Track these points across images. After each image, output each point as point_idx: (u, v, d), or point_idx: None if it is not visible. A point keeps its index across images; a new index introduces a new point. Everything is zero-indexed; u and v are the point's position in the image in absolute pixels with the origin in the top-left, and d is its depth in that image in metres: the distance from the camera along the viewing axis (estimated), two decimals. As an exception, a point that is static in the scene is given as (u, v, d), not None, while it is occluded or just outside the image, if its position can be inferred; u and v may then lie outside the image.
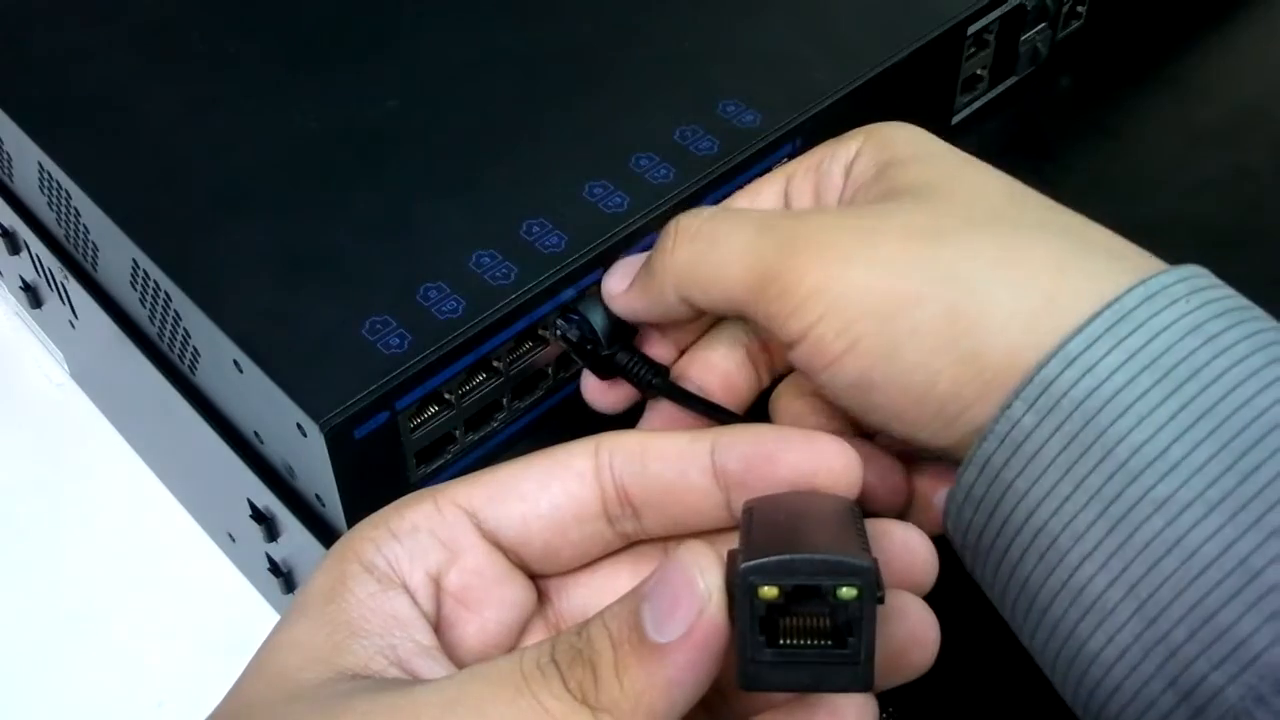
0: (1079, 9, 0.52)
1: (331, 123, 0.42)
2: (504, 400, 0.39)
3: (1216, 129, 0.50)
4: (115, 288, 0.44)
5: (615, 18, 0.46)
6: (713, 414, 0.34)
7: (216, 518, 0.48)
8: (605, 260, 0.39)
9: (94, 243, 0.43)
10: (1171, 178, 0.48)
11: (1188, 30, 0.55)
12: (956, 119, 0.49)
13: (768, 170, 0.42)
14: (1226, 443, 0.26)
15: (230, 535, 0.46)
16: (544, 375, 0.40)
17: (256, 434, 0.39)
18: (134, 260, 0.40)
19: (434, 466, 0.38)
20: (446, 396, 0.37)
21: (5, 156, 0.47)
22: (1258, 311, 0.29)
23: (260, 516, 0.41)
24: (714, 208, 0.34)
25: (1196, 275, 0.29)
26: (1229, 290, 0.29)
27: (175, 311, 0.39)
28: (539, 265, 0.38)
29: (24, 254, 0.50)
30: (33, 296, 0.52)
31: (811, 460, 0.28)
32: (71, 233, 0.45)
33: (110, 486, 0.51)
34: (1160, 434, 0.26)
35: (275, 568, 0.43)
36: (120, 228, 0.40)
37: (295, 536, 0.39)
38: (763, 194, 0.36)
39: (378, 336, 0.36)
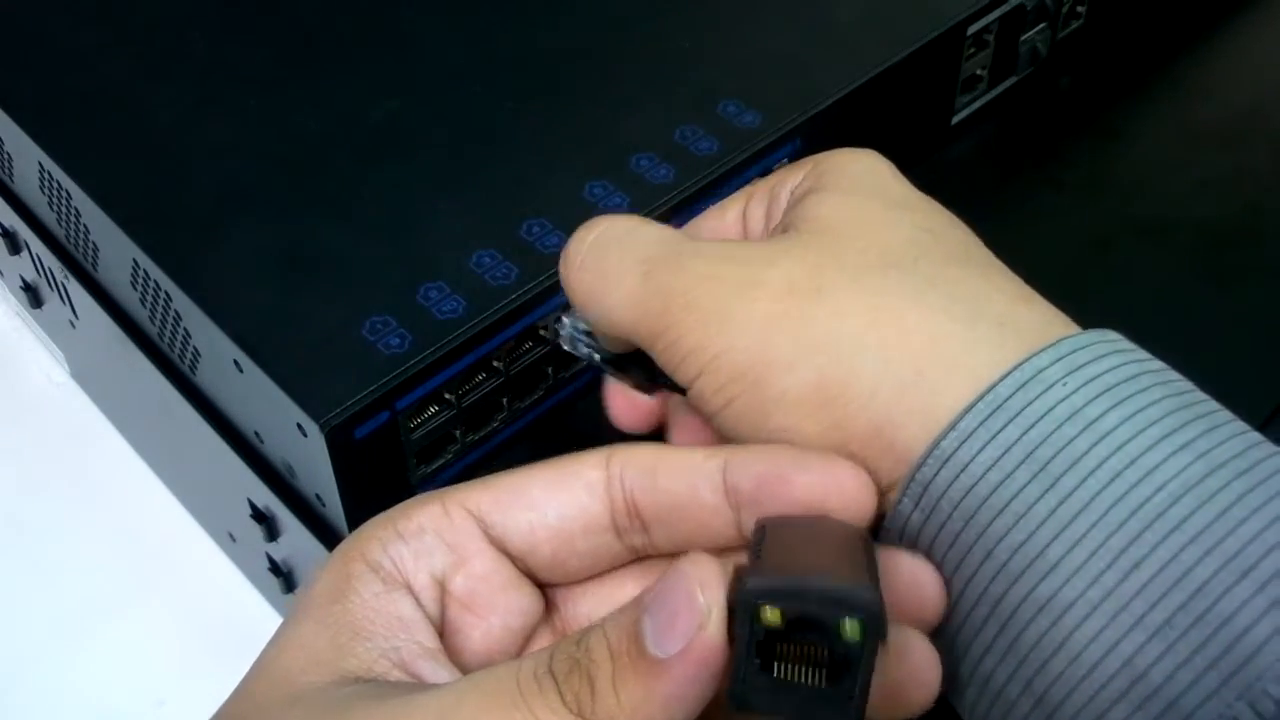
0: (1079, 9, 0.52)
1: (331, 123, 0.42)
2: (504, 400, 0.39)
3: (1216, 129, 0.50)
4: (115, 288, 0.44)
5: (615, 18, 0.46)
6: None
7: (216, 518, 0.48)
8: (605, 260, 0.39)
9: (94, 243, 0.43)
10: (1171, 178, 0.48)
11: (1188, 30, 0.55)
12: (956, 119, 0.49)
13: (768, 170, 0.42)
14: (1105, 539, 0.25)
15: (230, 535, 0.46)
16: (544, 375, 0.40)
17: (256, 434, 0.39)
18: (134, 260, 0.40)
19: (434, 466, 0.38)
20: (446, 396, 0.37)
21: (5, 156, 0.47)
22: (1151, 379, 0.27)
23: (260, 516, 0.41)
24: (604, 223, 0.32)
25: (1081, 348, 0.27)
26: (1125, 357, 0.27)
27: (175, 311, 0.39)
28: (539, 265, 0.38)
29: (24, 254, 0.50)
30: (33, 296, 0.52)
31: (825, 483, 0.27)
32: (71, 233, 0.45)
33: (110, 486, 0.51)
34: (1039, 532, 0.26)
35: (275, 568, 0.43)
36: (120, 228, 0.40)
37: (295, 536, 0.39)
38: (727, 213, 0.35)
39: (378, 336, 0.36)
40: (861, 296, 0.29)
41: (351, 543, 0.28)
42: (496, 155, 0.41)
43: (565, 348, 0.34)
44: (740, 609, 0.23)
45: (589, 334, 0.33)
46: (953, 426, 0.27)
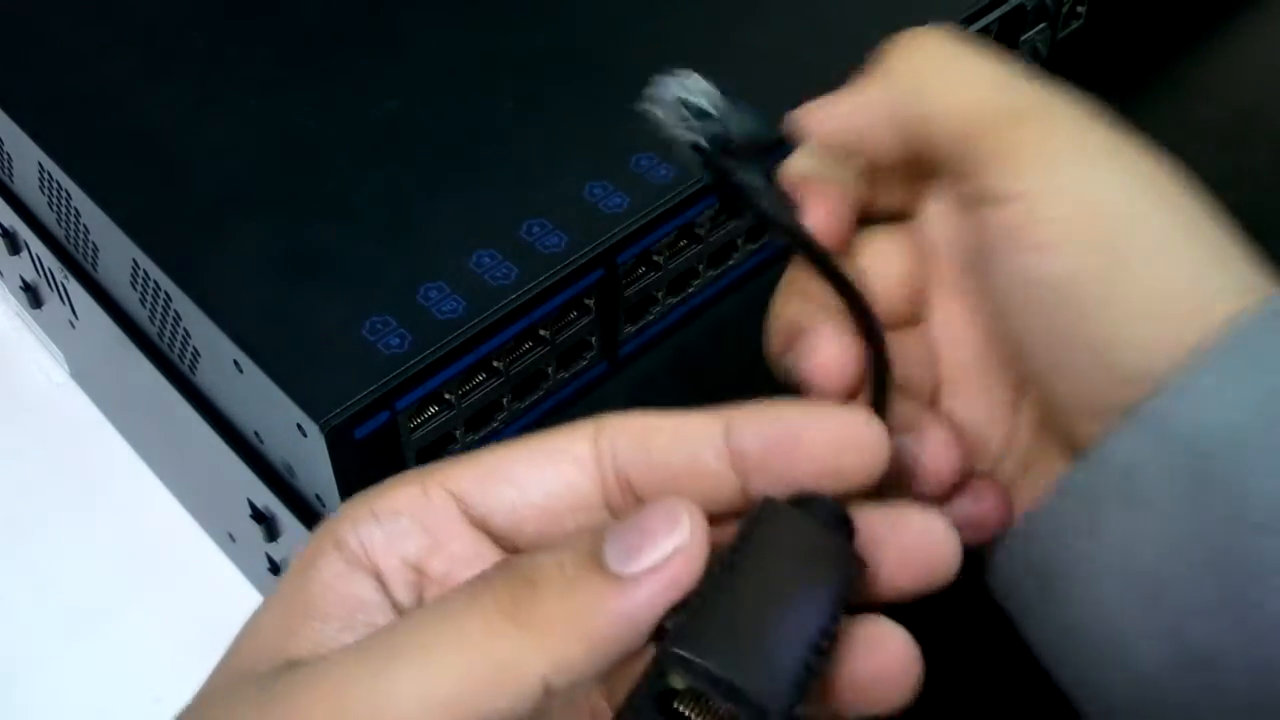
0: (1079, 9, 0.52)
1: (331, 123, 0.42)
2: (504, 400, 0.39)
3: (1216, 129, 0.50)
4: (115, 288, 0.44)
5: (615, 18, 0.46)
6: (836, 280, 0.29)
7: (216, 518, 0.48)
8: (605, 260, 0.39)
9: (94, 243, 0.43)
10: (1171, 178, 0.48)
11: (1188, 30, 0.55)
12: (956, 119, 0.49)
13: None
14: None
15: (230, 535, 0.46)
16: (544, 375, 0.40)
17: (256, 434, 0.39)
18: (134, 260, 0.40)
19: (434, 466, 0.38)
20: (446, 396, 0.37)
21: (5, 156, 0.47)
22: None
23: (260, 516, 0.41)
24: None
25: None
26: None
27: (175, 311, 0.39)
28: (539, 265, 0.38)
29: (24, 254, 0.50)
30: (33, 296, 0.52)
31: (838, 437, 0.25)
32: (71, 233, 0.45)
33: (110, 486, 0.51)
34: None
35: (275, 568, 0.43)
36: (120, 228, 0.40)
37: (295, 536, 0.39)
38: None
39: (378, 336, 0.36)
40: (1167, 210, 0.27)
41: (327, 522, 0.27)
42: (496, 155, 0.41)
43: (656, 113, 0.29)
44: (659, 652, 0.22)
45: (702, 111, 0.30)
46: (1205, 366, 0.25)
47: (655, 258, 0.40)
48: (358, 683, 0.22)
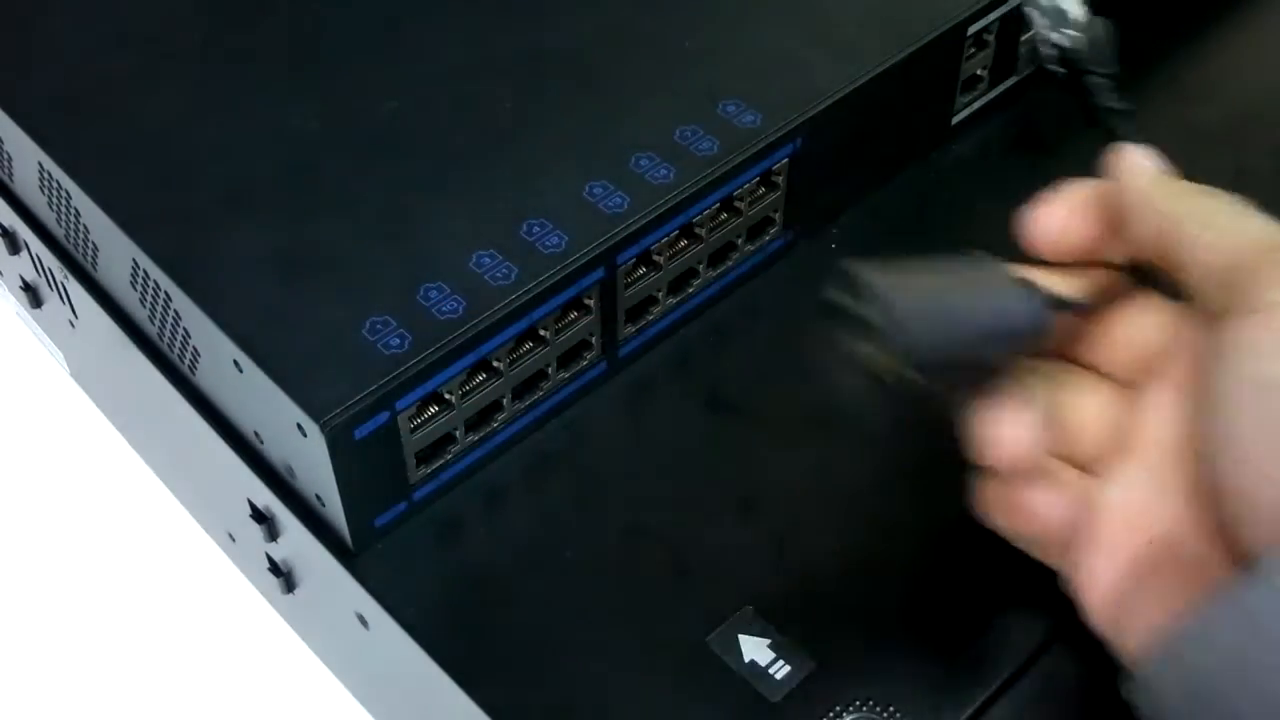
0: (1079, 9, 0.52)
1: (331, 123, 0.42)
2: (504, 400, 0.39)
3: (1216, 129, 0.50)
4: (115, 288, 0.44)
5: (615, 18, 0.46)
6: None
7: (216, 518, 0.48)
8: (605, 260, 0.39)
9: (94, 243, 0.43)
10: (1171, 178, 0.48)
11: (1188, 30, 0.55)
12: (956, 119, 0.49)
13: (768, 170, 0.42)
14: None
15: (230, 535, 0.46)
16: (544, 375, 0.40)
17: (256, 434, 0.39)
18: (134, 260, 0.40)
19: (434, 466, 0.38)
20: (446, 396, 0.37)
21: (5, 156, 0.47)
22: None
23: (260, 516, 0.41)
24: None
25: None
26: None
27: (175, 311, 0.39)
28: (539, 265, 0.38)
29: (24, 254, 0.50)
30: (33, 296, 0.52)
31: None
32: (71, 233, 0.45)
33: (110, 486, 0.51)
34: None
35: (275, 568, 0.43)
36: (120, 228, 0.40)
37: (295, 536, 0.39)
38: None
39: (378, 336, 0.36)
40: None
41: None
42: (496, 155, 0.41)
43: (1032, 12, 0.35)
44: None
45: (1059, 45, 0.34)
46: None
47: (655, 258, 0.40)
48: None
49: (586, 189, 0.40)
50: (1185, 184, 0.33)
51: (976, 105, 0.50)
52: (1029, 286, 0.32)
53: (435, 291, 0.37)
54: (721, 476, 0.39)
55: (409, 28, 0.46)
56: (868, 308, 0.31)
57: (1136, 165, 0.34)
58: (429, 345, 0.36)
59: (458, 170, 0.41)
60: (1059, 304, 0.32)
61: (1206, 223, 0.31)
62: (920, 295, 0.31)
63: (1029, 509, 0.33)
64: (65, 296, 0.48)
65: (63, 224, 0.45)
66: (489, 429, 0.39)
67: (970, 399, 0.32)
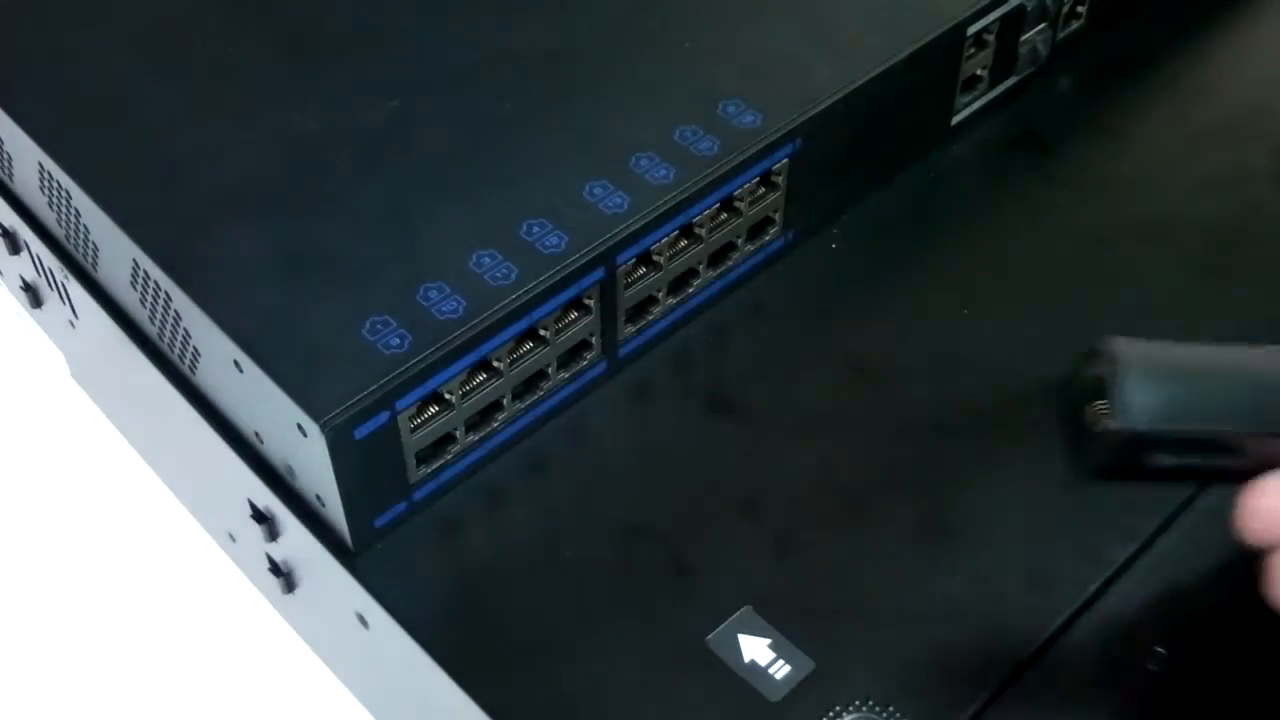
0: (1079, 9, 0.52)
1: (331, 123, 0.42)
2: (504, 400, 0.39)
3: (1216, 129, 0.50)
4: (115, 288, 0.44)
5: (615, 17, 0.46)
6: None
7: (217, 518, 0.48)
8: (605, 260, 0.39)
9: (94, 243, 0.43)
10: (1171, 178, 0.48)
11: (1188, 30, 0.55)
12: (956, 119, 0.49)
13: (769, 169, 0.42)
14: None
15: (230, 535, 0.47)
16: (544, 375, 0.40)
17: (256, 434, 0.39)
18: (134, 260, 0.40)
19: (434, 466, 0.38)
20: (446, 396, 0.37)
21: (5, 156, 0.47)
22: None
23: (260, 516, 0.41)
24: None
25: None
26: None
27: (175, 311, 0.39)
28: (539, 265, 0.38)
29: (24, 254, 0.50)
30: (33, 296, 0.52)
31: None
32: (71, 233, 0.45)
33: (110, 487, 0.51)
34: None
35: (275, 568, 0.43)
36: (120, 228, 0.40)
37: (295, 536, 0.39)
38: None
39: (378, 336, 0.36)
40: None
41: None
42: (496, 155, 0.41)
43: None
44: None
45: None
46: None
47: (655, 258, 0.40)
48: None
49: (586, 189, 0.40)
50: None
51: (976, 105, 0.50)
52: None
53: (435, 291, 0.37)
54: (721, 476, 0.39)
55: (409, 27, 0.46)
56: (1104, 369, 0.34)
57: None
58: (429, 345, 0.36)
59: (457, 170, 0.41)
60: None
61: None
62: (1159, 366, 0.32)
63: None
64: (65, 296, 0.48)
65: (63, 224, 0.45)
66: (489, 429, 0.39)
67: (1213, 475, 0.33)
